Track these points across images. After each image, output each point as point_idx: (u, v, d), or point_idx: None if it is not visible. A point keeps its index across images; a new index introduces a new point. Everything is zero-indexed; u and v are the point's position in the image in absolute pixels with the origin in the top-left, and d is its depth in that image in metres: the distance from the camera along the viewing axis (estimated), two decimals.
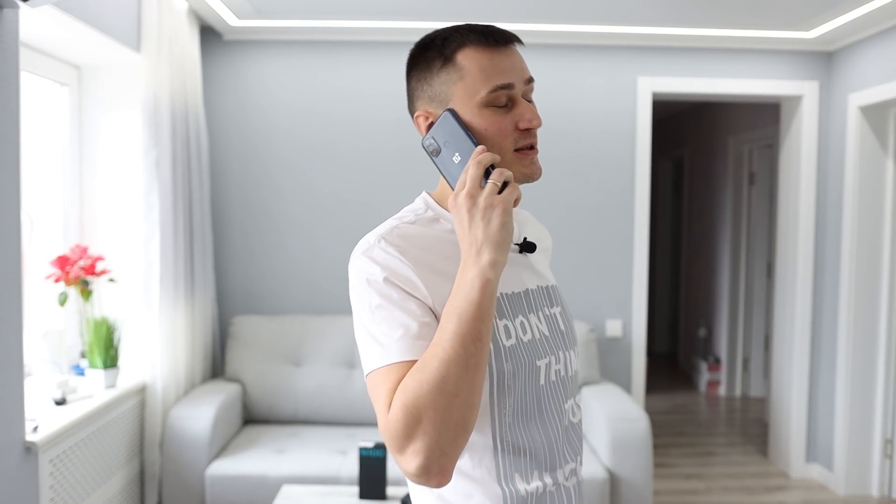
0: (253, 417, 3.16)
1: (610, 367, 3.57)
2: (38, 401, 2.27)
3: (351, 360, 3.19)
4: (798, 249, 3.63)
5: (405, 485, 2.60)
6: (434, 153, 0.94)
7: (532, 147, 0.93)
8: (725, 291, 5.29)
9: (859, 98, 3.30)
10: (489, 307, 0.82)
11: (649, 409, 4.70)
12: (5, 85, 1.84)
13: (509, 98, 0.91)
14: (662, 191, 6.80)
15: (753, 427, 4.56)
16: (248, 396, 3.13)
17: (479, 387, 0.81)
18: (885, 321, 3.36)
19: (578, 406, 1.03)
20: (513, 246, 0.98)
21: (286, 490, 2.36)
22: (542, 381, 0.94)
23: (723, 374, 5.34)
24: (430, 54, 0.94)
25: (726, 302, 5.27)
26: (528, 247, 0.99)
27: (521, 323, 0.95)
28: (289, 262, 3.48)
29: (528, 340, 0.94)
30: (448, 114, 0.91)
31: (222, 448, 2.85)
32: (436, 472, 0.79)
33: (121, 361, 2.64)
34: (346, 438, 2.95)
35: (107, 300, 2.75)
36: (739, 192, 5.16)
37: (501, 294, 0.94)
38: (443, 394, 0.78)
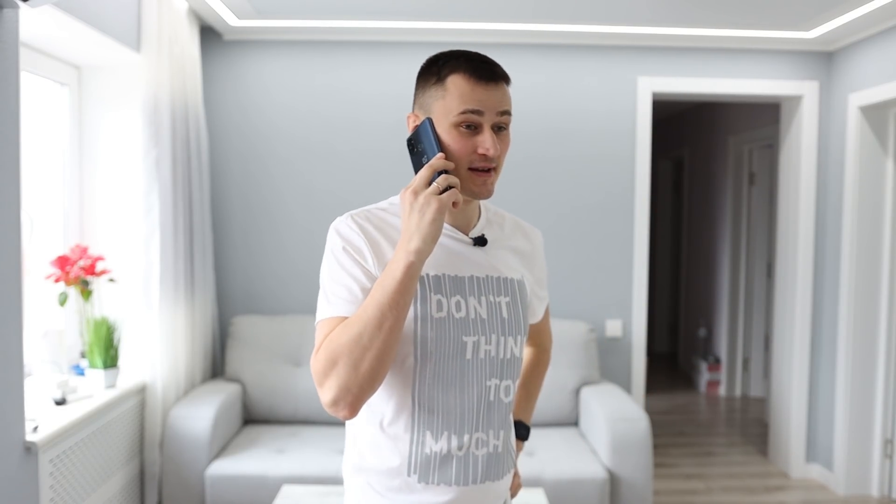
0: (253, 417, 3.17)
1: (610, 367, 3.57)
2: (38, 401, 2.27)
3: None
4: (798, 249, 3.63)
5: None
6: (412, 151, 1.11)
7: (487, 170, 1.09)
8: (725, 291, 5.29)
9: (859, 98, 3.30)
10: (408, 284, 0.99)
11: (649, 409, 4.70)
12: (5, 85, 1.84)
13: (476, 124, 1.07)
14: (662, 191, 6.80)
15: (753, 427, 4.56)
16: (248, 396, 3.13)
17: (390, 346, 0.99)
18: (885, 321, 3.36)
19: (510, 389, 1.17)
20: (467, 238, 1.16)
21: (286, 490, 2.36)
22: (468, 356, 1.10)
23: (723, 374, 5.34)
24: (432, 70, 1.11)
25: (726, 302, 5.27)
26: (480, 241, 1.16)
27: (457, 302, 1.10)
28: (289, 262, 3.48)
29: (461, 318, 1.10)
30: (427, 122, 1.08)
31: (222, 448, 2.85)
32: (342, 406, 1.00)
33: (121, 361, 2.64)
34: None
35: (107, 300, 2.75)
36: (739, 192, 5.16)
37: (443, 274, 1.11)
38: (357, 346, 0.97)
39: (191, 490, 2.68)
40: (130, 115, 2.79)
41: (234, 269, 3.48)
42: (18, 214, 1.90)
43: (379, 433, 1.11)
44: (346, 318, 1.03)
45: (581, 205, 3.54)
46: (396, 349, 1.01)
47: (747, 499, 3.42)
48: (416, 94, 1.14)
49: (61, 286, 2.53)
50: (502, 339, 1.14)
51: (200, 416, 2.73)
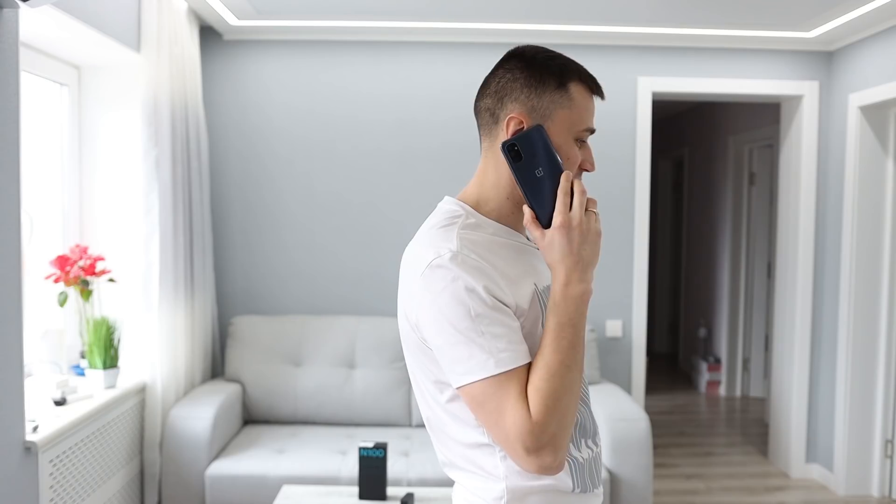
0: (253, 417, 3.16)
1: (610, 367, 3.57)
2: (38, 401, 2.26)
3: (351, 361, 3.19)
4: (798, 249, 3.63)
5: (405, 485, 2.60)
6: (514, 158, 0.98)
7: None
8: (725, 291, 5.29)
9: (859, 98, 3.30)
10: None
11: (649, 409, 4.70)
12: (5, 85, 1.84)
13: (584, 139, 1.04)
14: (662, 191, 6.80)
15: (753, 427, 4.56)
16: (248, 396, 3.13)
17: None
18: (885, 321, 3.36)
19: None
20: (534, 245, 1.08)
21: (286, 490, 2.36)
22: None
23: (723, 374, 5.34)
24: (549, 72, 1.01)
25: (726, 302, 5.27)
26: None
27: None
28: (289, 262, 3.48)
29: None
30: (542, 129, 0.98)
31: (222, 448, 2.84)
32: (559, 462, 0.92)
33: (121, 361, 2.64)
34: (346, 438, 2.95)
35: (107, 300, 2.75)
36: (739, 192, 5.16)
37: (546, 286, 1.04)
38: (574, 396, 0.92)
39: (191, 490, 2.68)
40: (130, 115, 2.79)
41: (234, 269, 3.48)
42: (18, 214, 1.90)
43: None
44: (522, 368, 0.92)
45: None
46: None
47: (747, 499, 3.42)
48: (517, 91, 1.01)
49: (61, 286, 2.53)
50: None
51: (200, 416, 2.73)
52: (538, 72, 1.01)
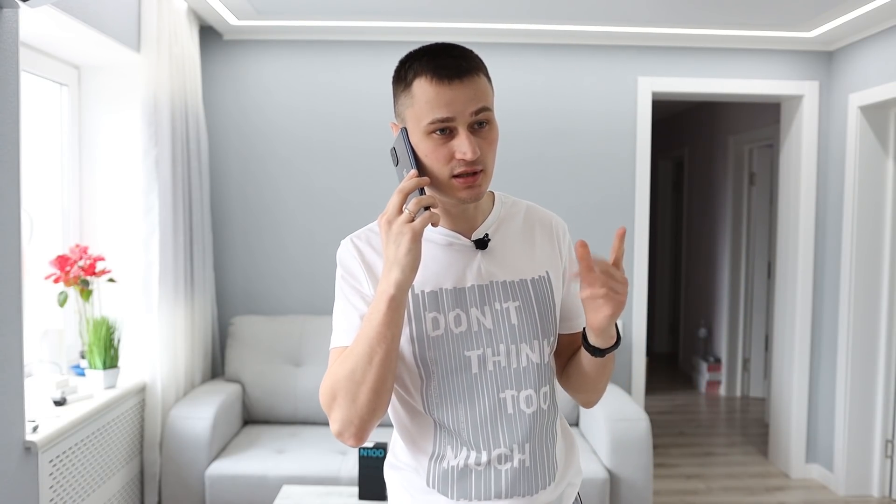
0: (253, 417, 3.16)
1: None
2: (38, 401, 2.26)
3: None
4: (798, 249, 3.62)
5: None
6: (394, 163, 1.07)
7: (473, 174, 1.01)
8: (725, 291, 5.29)
9: (859, 98, 3.30)
10: (393, 316, 0.96)
11: (649, 409, 4.69)
12: (5, 85, 1.83)
13: (450, 129, 1.00)
14: (662, 191, 6.80)
15: (753, 427, 4.56)
16: (248, 396, 3.13)
17: (384, 377, 0.96)
18: (885, 321, 3.36)
19: (532, 398, 1.08)
20: (469, 242, 1.10)
21: (286, 490, 2.35)
22: (474, 370, 1.06)
23: (723, 374, 5.34)
24: (400, 75, 1.04)
25: (726, 302, 5.27)
26: (480, 244, 1.10)
27: (456, 316, 1.06)
28: (289, 262, 3.48)
29: (460, 332, 1.06)
30: (402, 133, 1.03)
31: (222, 448, 2.84)
32: (347, 436, 0.99)
33: (121, 361, 2.64)
34: None
35: (107, 300, 2.75)
36: (739, 192, 5.16)
37: (440, 289, 1.06)
38: (352, 381, 0.97)
39: (191, 490, 2.68)
40: (130, 115, 2.79)
41: (234, 269, 3.48)
42: (18, 214, 1.90)
43: (410, 444, 1.11)
44: (346, 348, 1.02)
45: (581, 205, 3.53)
46: (392, 378, 0.99)
47: (747, 499, 3.42)
48: (393, 101, 1.08)
49: (61, 286, 2.53)
50: (513, 347, 1.07)
51: (200, 416, 2.73)
52: (395, 76, 1.05)
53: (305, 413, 3.13)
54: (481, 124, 1.02)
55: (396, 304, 0.96)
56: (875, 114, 3.31)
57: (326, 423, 3.14)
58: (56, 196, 2.73)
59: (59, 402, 2.26)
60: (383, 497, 2.25)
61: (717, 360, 5.38)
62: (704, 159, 5.76)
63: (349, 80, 3.45)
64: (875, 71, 3.21)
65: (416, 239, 0.95)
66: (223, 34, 3.40)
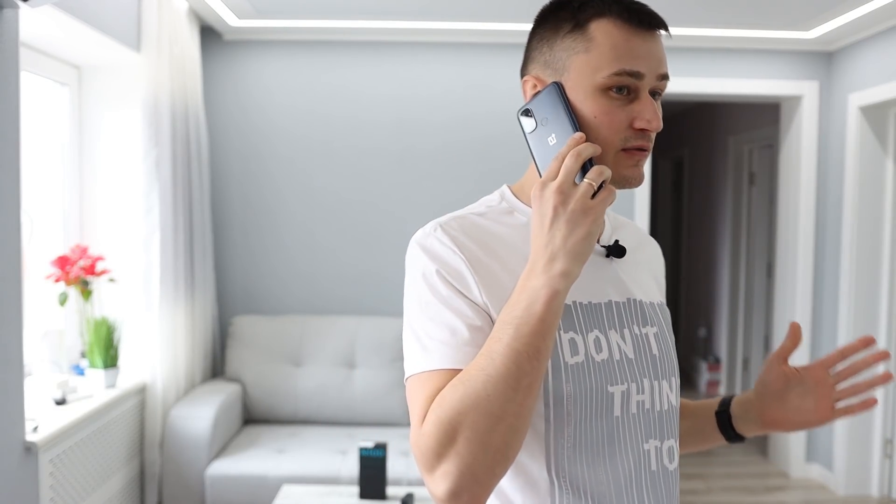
0: (253, 417, 3.16)
1: None
2: (38, 401, 2.27)
3: (351, 360, 3.19)
4: (798, 249, 3.63)
5: (405, 485, 2.60)
6: (527, 128, 0.82)
7: (643, 150, 0.80)
8: (725, 291, 5.29)
9: (859, 98, 3.30)
10: (553, 322, 0.71)
11: None
12: (5, 85, 1.84)
13: (632, 89, 0.78)
14: (662, 191, 6.80)
15: None
16: (248, 396, 3.13)
17: (530, 412, 0.71)
18: (884, 321, 3.36)
19: (674, 451, 0.86)
20: (598, 248, 0.86)
21: (286, 490, 2.36)
22: (616, 412, 0.80)
23: (723, 374, 5.34)
24: (563, 14, 0.81)
25: (726, 302, 5.27)
26: (617, 251, 0.87)
27: (596, 339, 0.81)
28: (289, 262, 3.48)
29: (602, 361, 0.81)
30: (554, 87, 0.79)
31: (222, 448, 2.85)
32: (466, 500, 0.70)
33: (121, 361, 2.64)
34: (346, 438, 2.95)
35: (107, 300, 2.75)
36: (739, 192, 5.16)
37: (574, 302, 0.81)
38: (485, 414, 0.68)
39: (191, 490, 2.68)
40: (130, 115, 2.79)
41: (234, 269, 3.48)
42: (18, 214, 1.90)
43: None
44: (451, 371, 0.74)
45: None
46: (532, 416, 0.72)
47: (747, 499, 3.42)
48: (534, 50, 0.84)
49: (61, 286, 2.53)
50: (656, 384, 0.84)
51: (200, 416, 2.73)
52: (552, 18, 0.82)
53: (305, 413, 3.13)
54: (655, 95, 0.81)
55: (558, 306, 0.71)
56: (875, 114, 3.31)
57: (327, 423, 3.14)
58: (56, 196, 2.73)
59: (60, 402, 2.26)
60: (383, 497, 2.25)
61: (717, 360, 5.38)
62: (704, 159, 5.76)
63: (349, 80, 3.45)
64: (875, 71, 3.21)
65: (600, 220, 0.73)
66: (223, 34, 3.40)
